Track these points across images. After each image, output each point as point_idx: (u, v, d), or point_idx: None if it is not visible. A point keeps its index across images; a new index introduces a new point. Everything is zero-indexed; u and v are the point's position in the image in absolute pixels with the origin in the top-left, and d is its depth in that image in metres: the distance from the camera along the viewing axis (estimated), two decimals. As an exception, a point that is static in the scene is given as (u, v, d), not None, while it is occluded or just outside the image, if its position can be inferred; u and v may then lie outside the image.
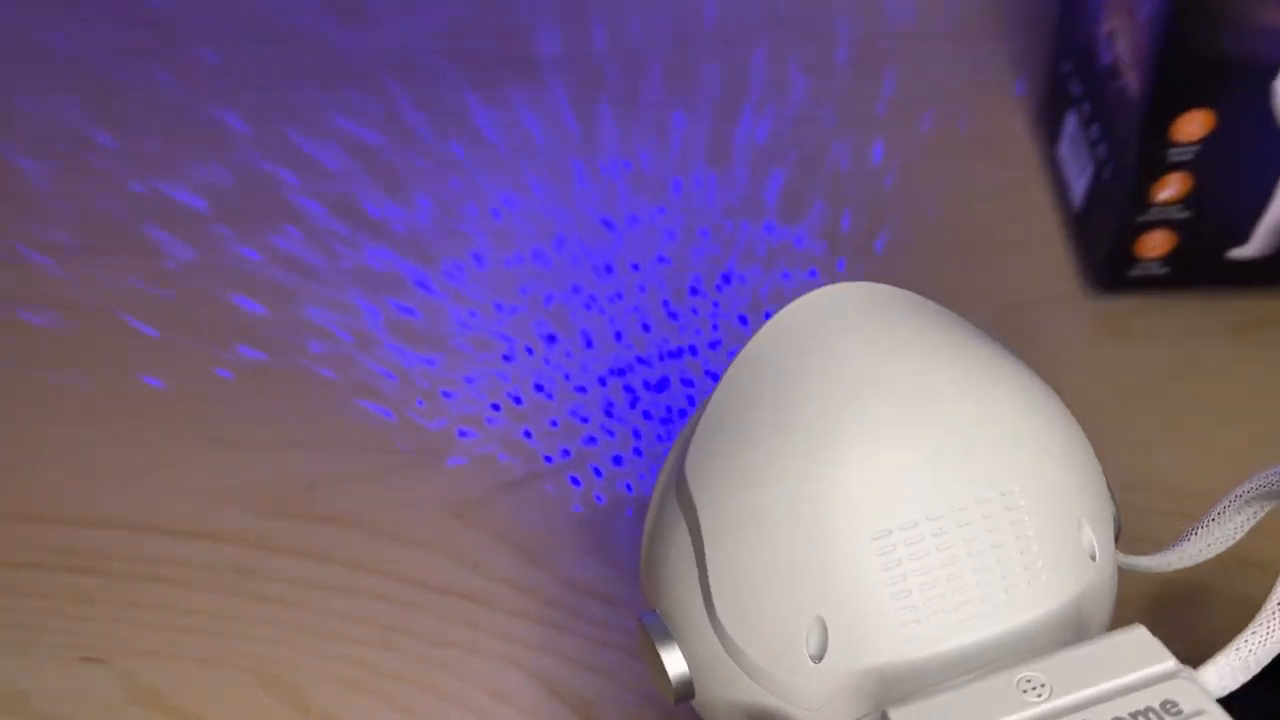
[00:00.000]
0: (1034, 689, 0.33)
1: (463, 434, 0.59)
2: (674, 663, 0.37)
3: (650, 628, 0.38)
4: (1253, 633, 0.37)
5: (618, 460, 0.58)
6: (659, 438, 0.59)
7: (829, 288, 0.38)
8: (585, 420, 0.60)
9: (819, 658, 0.34)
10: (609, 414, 0.60)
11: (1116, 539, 0.40)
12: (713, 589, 0.35)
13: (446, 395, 0.61)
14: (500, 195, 0.66)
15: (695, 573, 0.36)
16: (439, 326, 0.63)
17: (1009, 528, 0.34)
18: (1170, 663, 0.35)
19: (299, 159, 0.70)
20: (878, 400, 0.35)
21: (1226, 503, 0.41)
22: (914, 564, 0.33)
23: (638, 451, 0.59)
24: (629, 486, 0.58)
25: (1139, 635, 0.35)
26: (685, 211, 0.67)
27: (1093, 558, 0.36)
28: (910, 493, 0.34)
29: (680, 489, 0.37)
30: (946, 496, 0.34)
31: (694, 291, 0.64)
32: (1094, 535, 0.36)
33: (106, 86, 0.74)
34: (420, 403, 0.60)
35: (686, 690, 0.38)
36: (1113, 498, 0.41)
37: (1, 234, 0.67)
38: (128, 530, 0.56)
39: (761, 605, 0.35)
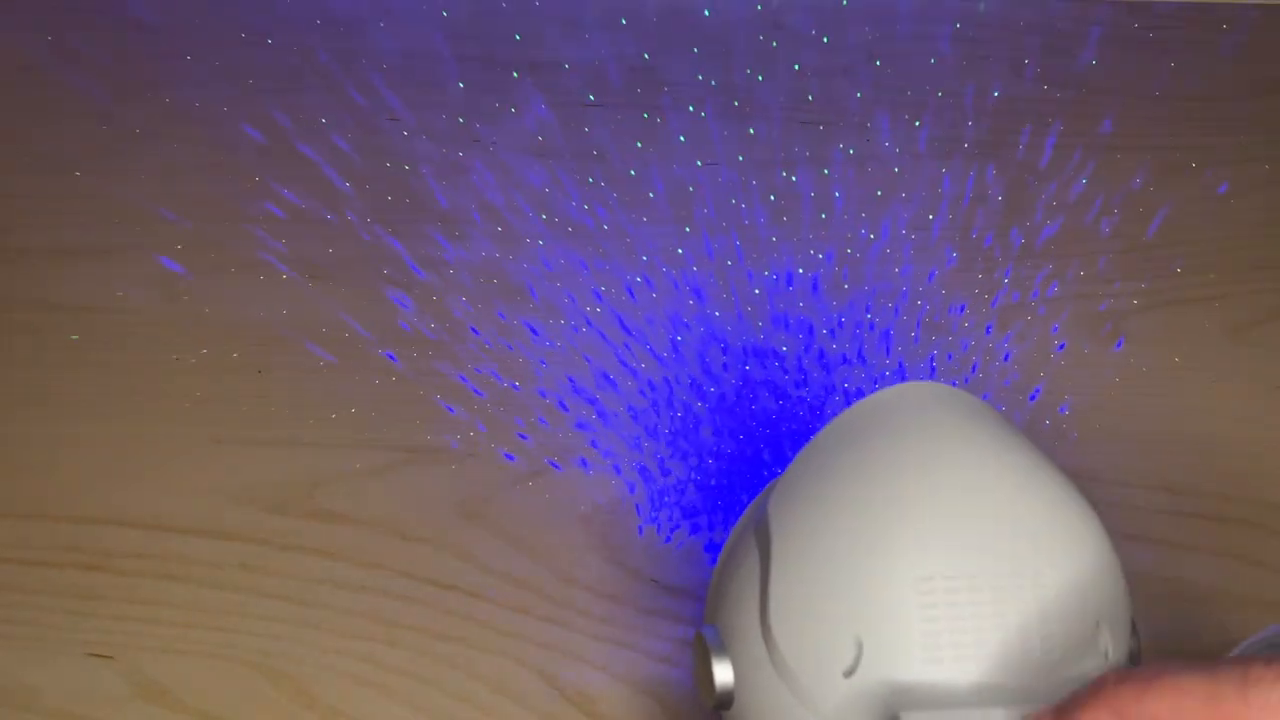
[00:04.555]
0: None
1: (469, 433, 0.60)
2: (723, 672, 0.42)
3: (708, 639, 0.43)
4: None
5: (620, 461, 0.59)
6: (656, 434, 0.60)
7: (903, 384, 0.45)
8: (587, 422, 0.60)
9: (850, 673, 0.39)
10: (608, 419, 0.60)
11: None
12: (770, 605, 0.41)
13: (450, 394, 0.61)
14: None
15: (758, 592, 0.42)
16: (441, 323, 0.64)
17: (1034, 603, 0.39)
18: None
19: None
20: (939, 476, 0.41)
21: (1240, 650, 0.43)
22: (947, 610, 0.39)
23: (637, 454, 0.59)
24: (631, 487, 0.58)
25: None
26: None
27: (1106, 656, 0.40)
28: (957, 552, 0.39)
29: (760, 525, 0.43)
30: (986, 563, 0.39)
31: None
32: (1110, 639, 0.40)
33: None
34: (425, 402, 0.61)
35: (727, 699, 0.43)
36: (1135, 632, 0.44)
37: (6, 234, 0.67)
38: (134, 528, 0.56)
39: (809, 621, 0.40)
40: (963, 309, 0.65)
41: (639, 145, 0.71)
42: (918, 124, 0.73)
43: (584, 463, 0.59)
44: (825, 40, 0.77)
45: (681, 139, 0.71)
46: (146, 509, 0.57)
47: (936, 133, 0.72)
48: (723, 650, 0.43)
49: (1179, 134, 0.73)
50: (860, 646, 0.39)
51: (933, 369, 0.62)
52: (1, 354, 0.63)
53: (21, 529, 0.56)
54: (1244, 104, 0.75)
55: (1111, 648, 0.41)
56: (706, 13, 0.78)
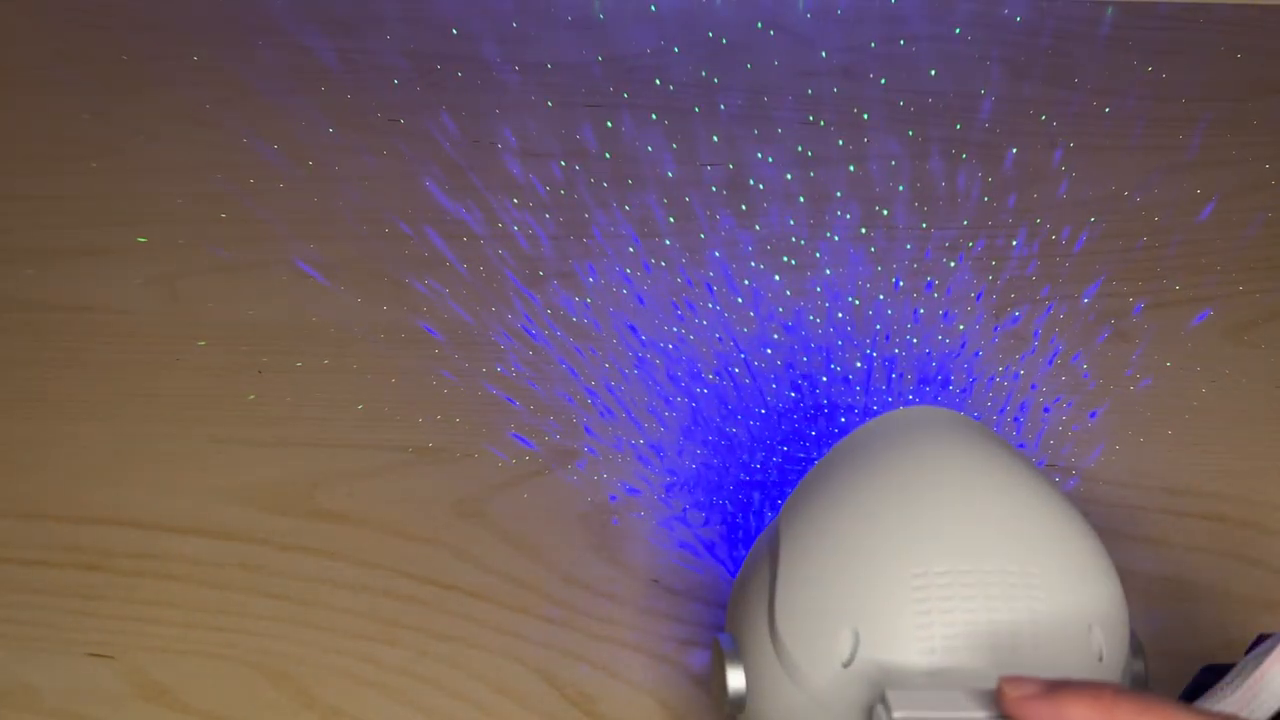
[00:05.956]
0: None
1: (469, 433, 0.60)
2: (735, 678, 0.45)
3: (723, 645, 0.46)
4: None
5: (620, 460, 0.59)
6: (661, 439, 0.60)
7: (911, 407, 0.47)
8: (588, 422, 0.60)
9: (848, 663, 0.41)
10: (608, 415, 0.60)
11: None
12: (777, 604, 0.43)
13: (450, 394, 0.61)
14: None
15: (767, 594, 0.44)
16: (442, 324, 0.64)
17: (1024, 598, 0.41)
18: None
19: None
20: (934, 483, 0.43)
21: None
22: (940, 603, 0.41)
23: (637, 454, 0.59)
24: (632, 489, 0.58)
25: None
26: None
27: (1100, 659, 0.42)
28: (950, 550, 0.41)
29: (773, 536, 0.46)
30: (979, 560, 0.41)
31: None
32: (1105, 643, 0.42)
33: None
34: (425, 402, 0.61)
35: (739, 702, 0.45)
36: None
37: (6, 234, 0.68)
38: (134, 528, 0.56)
39: (811, 616, 0.42)
40: (961, 309, 0.65)
41: (647, 147, 0.71)
42: (918, 124, 0.73)
43: (584, 463, 0.59)
44: (827, 41, 0.77)
45: (674, 143, 0.72)
46: (146, 509, 0.57)
47: (936, 133, 0.72)
48: (736, 657, 0.45)
49: (1180, 134, 0.73)
50: (857, 638, 0.41)
51: (930, 371, 0.62)
52: (1, 354, 0.63)
53: (21, 529, 0.56)
54: (1244, 104, 0.75)
55: (1105, 652, 0.42)
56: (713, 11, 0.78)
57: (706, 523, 0.57)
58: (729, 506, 0.57)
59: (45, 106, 0.73)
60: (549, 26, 0.78)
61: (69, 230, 0.68)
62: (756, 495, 0.58)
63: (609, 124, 0.72)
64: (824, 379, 0.61)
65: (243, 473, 0.58)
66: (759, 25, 0.78)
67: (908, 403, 0.61)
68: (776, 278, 0.65)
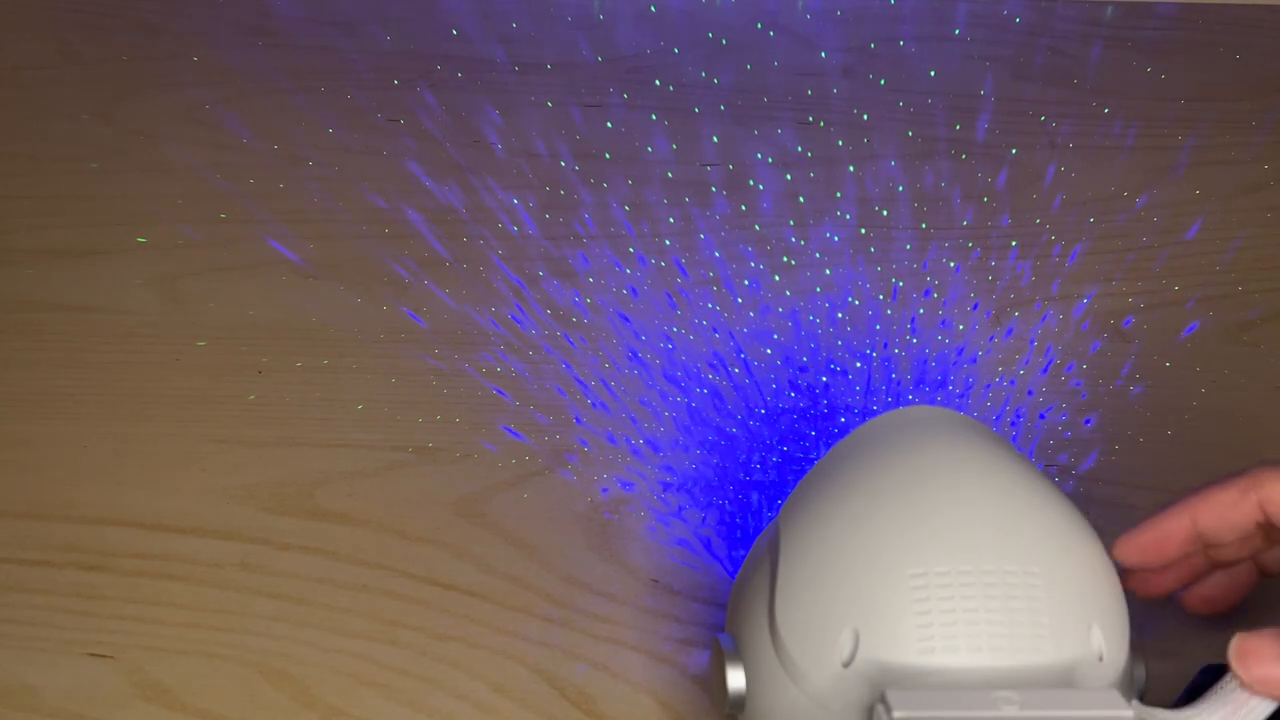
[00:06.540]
0: (1006, 702, 0.39)
1: (469, 432, 0.60)
2: (735, 678, 0.45)
3: (723, 645, 0.46)
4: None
5: (620, 459, 0.59)
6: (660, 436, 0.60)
7: (914, 407, 0.48)
8: (587, 421, 0.60)
9: (848, 663, 0.41)
10: (604, 409, 0.60)
11: (1141, 697, 0.45)
12: (777, 604, 0.44)
13: (451, 393, 0.61)
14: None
15: (767, 594, 0.44)
16: (441, 323, 0.64)
17: (1024, 597, 0.41)
18: (1128, 712, 0.40)
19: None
20: (933, 483, 0.44)
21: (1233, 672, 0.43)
22: (940, 603, 0.41)
23: (636, 453, 0.59)
24: (632, 488, 0.58)
25: (1110, 693, 0.41)
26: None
27: (1100, 659, 0.42)
28: (950, 550, 0.42)
29: (772, 536, 0.46)
30: (978, 560, 0.42)
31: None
32: (1104, 644, 0.42)
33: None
34: (425, 402, 0.61)
35: (739, 703, 0.45)
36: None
37: (6, 234, 0.68)
38: (134, 527, 0.56)
39: (811, 615, 0.43)
40: (961, 310, 0.65)
41: (647, 148, 0.71)
42: (918, 125, 0.73)
43: (584, 463, 0.59)
44: (827, 41, 0.77)
45: (674, 143, 0.72)
46: (146, 509, 0.57)
47: (936, 134, 0.72)
48: (736, 657, 0.45)
49: (1179, 134, 0.73)
50: (857, 638, 0.41)
51: (929, 373, 0.62)
52: (1, 354, 0.63)
53: (21, 529, 0.56)
54: (1244, 104, 0.75)
55: (1105, 652, 0.42)
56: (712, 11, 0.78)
57: (704, 522, 0.57)
58: (728, 507, 0.57)
59: (45, 106, 0.73)
60: (549, 26, 0.78)
61: (69, 230, 0.68)
62: (756, 495, 0.58)
63: (608, 124, 0.72)
64: (824, 379, 0.61)
65: (243, 473, 0.58)
66: (759, 25, 0.78)
67: (907, 403, 0.61)
68: (776, 278, 0.66)
